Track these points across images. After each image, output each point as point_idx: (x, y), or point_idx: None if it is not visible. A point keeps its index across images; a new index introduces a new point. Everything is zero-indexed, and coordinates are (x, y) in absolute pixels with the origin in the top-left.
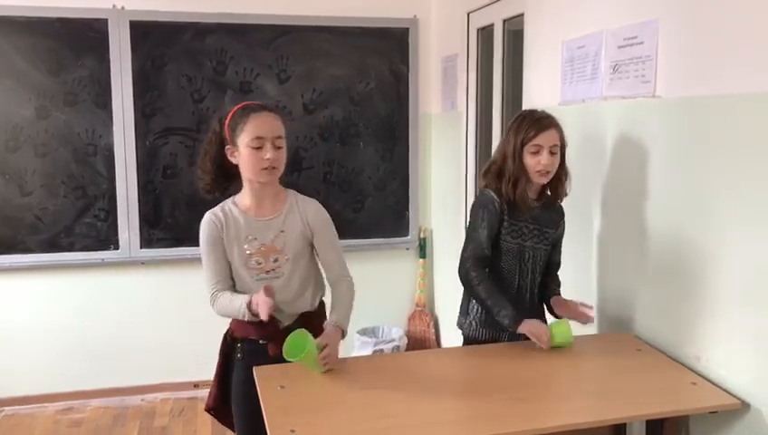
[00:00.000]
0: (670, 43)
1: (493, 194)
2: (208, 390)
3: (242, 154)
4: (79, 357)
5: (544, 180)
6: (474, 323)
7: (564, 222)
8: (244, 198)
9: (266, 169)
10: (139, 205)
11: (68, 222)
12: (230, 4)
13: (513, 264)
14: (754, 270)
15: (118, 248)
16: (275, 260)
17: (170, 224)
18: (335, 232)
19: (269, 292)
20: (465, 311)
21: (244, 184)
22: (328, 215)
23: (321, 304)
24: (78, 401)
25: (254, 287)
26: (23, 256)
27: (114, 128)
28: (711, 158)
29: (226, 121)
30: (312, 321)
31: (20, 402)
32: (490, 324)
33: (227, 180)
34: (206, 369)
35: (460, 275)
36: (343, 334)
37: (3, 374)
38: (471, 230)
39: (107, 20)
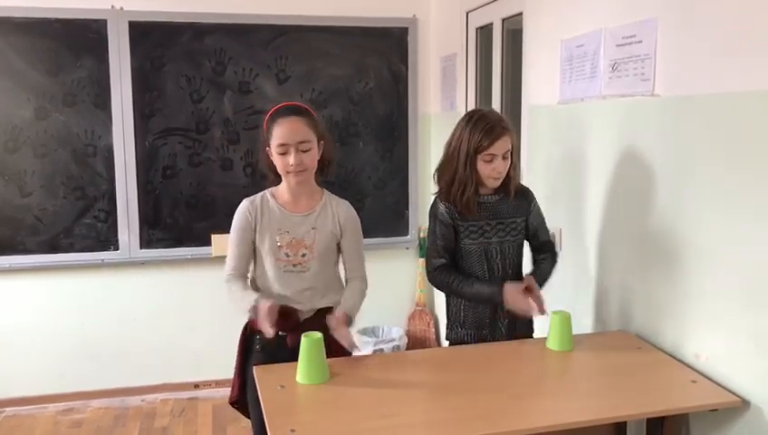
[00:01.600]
0: (669, 42)
1: (441, 204)
2: (208, 390)
3: (274, 157)
4: (79, 358)
5: (497, 184)
6: (456, 327)
7: (535, 204)
8: (281, 191)
9: (292, 172)
10: (139, 205)
11: (68, 223)
12: (229, 4)
13: (480, 264)
14: (754, 268)
15: (117, 249)
16: (303, 255)
17: (170, 224)
18: (362, 235)
19: (272, 310)
20: (450, 319)
21: (282, 180)
22: (358, 218)
23: (338, 303)
24: (78, 402)
25: (278, 278)
26: (22, 257)
27: (113, 128)
28: (710, 156)
29: (264, 124)
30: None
31: (20, 403)
32: (471, 325)
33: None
34: (207, 369)
35: (432, 285)
36: (350, 322)
37: (3, 375)
38: (428, 242)
39: (106, 21)
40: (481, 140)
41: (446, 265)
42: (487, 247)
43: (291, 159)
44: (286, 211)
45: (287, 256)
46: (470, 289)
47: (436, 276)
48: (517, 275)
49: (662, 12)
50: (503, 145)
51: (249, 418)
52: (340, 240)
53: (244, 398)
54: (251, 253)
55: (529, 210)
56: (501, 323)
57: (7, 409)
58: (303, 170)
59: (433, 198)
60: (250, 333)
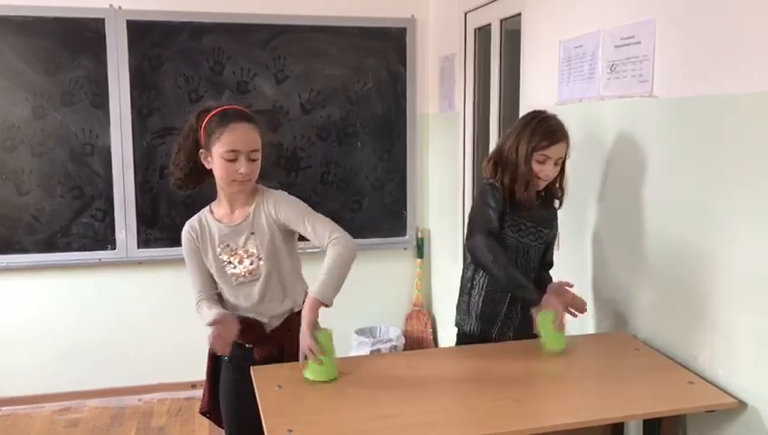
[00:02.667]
0: (667, 43)
1: (500, 188)
2: (203, 391)
3: (215, 163)
4: (76, 357)
5: (543, 185)
6: (468, 317)
7: (557, 224)
8: (218, 205)
9: (238, 181)
10: (136, 205)
11: (65, 222)
12: (227, 3)
13: (510, 259)
14: (752, 270)
15: (115, 248)
16: (251, 263)
17: (167, 224)
18: (305, 205)
19: (220, 321)
20: (465, 308)
21: (218, 189)
22: (291, 196)
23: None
24: (75, 402)
25: (232, 292)
26: (19, 256)
27: (111, 128)
28: (708, 157)
29: (203, 124)
30: (298, 322)
31: (17, 402)
32: (485, 318)
33: (200, 177)
34: (204, 369)
35: (474, 248)
36: (325, 304)
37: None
38: (479, 208)
39: (104, 20)
40: (541, 139)
41: (497, 235)
42: (519, 245)
43: (242, 168)
44: (223, 224)
45: (234, 268)
46: (513, 272)
47: (486, 241)
48: (534, 281)
49: (660, 13)
50: (558, 150)
51: (221, 427)
52: (283, 232)
53: (216, 406)
54: (210, 275)
55: (553, 225)
56: (513, 324)
57: (3, 408)
58: (249, 180)
59: (482, 184)
60: None
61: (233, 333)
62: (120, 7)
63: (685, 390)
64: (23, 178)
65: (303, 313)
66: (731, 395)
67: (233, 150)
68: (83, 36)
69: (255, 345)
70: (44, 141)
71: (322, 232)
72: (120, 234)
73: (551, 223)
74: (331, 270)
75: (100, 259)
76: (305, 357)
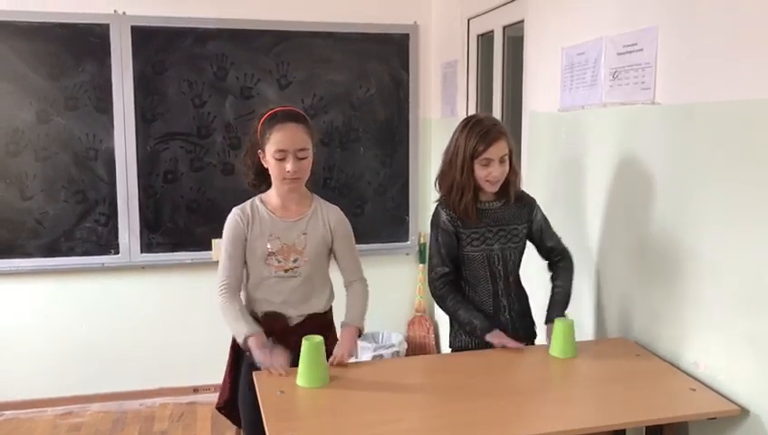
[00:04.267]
0: (669, 50)
1: (443, 212)
2: (207, 394)
3: (269, 162)
4: (78, 361)
5: (495, 189)
6: (460, 334)
7: (537, 210)
8: (271, 197)
9: (288, 179)
10: (140, 209)
11: (68, 226)
12: (231, 9)
13: (483, 271)
14: (753, 276)
15: (118, 253)
16: (295, 260)
17: (171, 229)
18: (353, 238)
19: (285, 357)
20: (451, 325)
21: (273, 186)
22: (348, 221)
23: (331, 309)
24: (77, 406)
25: (269, 284)
26: (23, 261)
27: (115, 132)
28: (709, 164)
29: (258, 126)
30: (319, 322)
31: (19, 407)
32: (472, 333)
33: (268, 175)
34: (206, 374)
35: (433, 294)
36: (360, 333)
37: (2, 378)
38: (430, 250)
39: (108, 25)
40: (476, 144)
41: (448, 274)
42: (490, 254)
43: (289, 166)
44: (276, 217)
45: (278, 261)
46: (465, 315)
47: (437, 287)
48: (517, 282)
49: (663, 20)
50: (498, 149)
51: (235, 424)
52: (331, 246)
53: (232, 403)
54: (243, 264)
55: (531, 217)
56: (506, 328)
57: (6, 412)
58: (299, 178)
59: (434, 206)
60: None
61: (287, 353)
62: (124, 13)
63: (687, 396)
64: (26, 183)
65: (346, 338)
66: (733, 402)
67: (280, 150)
68: (88, 41)
69: (278, 339)
70: (48, 146)
71: (355, 268)
72: (123, 238)
73: (522, 217)
74: (363, 305)
75: (103, 264)
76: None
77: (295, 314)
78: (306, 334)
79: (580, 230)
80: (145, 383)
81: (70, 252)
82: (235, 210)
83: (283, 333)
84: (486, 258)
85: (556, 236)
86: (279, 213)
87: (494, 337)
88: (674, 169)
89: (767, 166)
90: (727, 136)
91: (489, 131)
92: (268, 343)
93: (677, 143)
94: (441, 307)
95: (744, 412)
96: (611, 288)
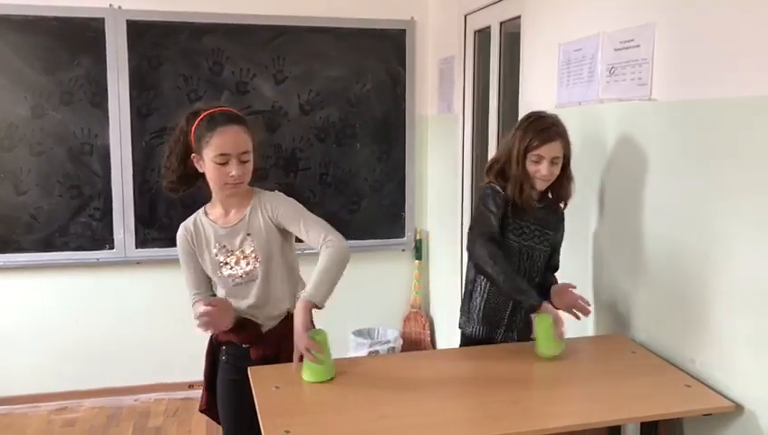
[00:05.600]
0: (666, 47)
1: (500, 189)
2: (202, 390)
3: (207, 167)
4: (73, 357)
5: (544, 186)
6: (471, 319)
7: (564, 226)
8: (213, 206)
9: (230, 184)
10: (135, 204)
11: (63, 221)
12: (227, 4)
13: (513, 262)
14: (750, 273)
15: (113, 248)
16: (247, 264)
17: (166, 224)
18: (300, 207)
19: (214, 303)
20: (466, 310)
21: (212, 191)
22: (289, 198)
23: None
24: (72, 401)
25: (229, 294)
26: (17, 256)
27: (110, 127)
28: (707, 161)
29: (192, 128)
30: (292, 325)
31: (13, 402)
32: (488, 322)
33: (192, 180)
34: (201, 369)
35: (474, 252)
36: (317, 306)
37: None
38: (479, 214)
39: (103, 19)
40: (532, 139)
41: (497, 240)
42: (522, 248)
43: (233, 170)
44: (218, 226)
45: (231, 269)
46: (514, 277)
47: (486, 246)
48: (538, 284)
49: (660, 17)
50: (551, 149)
51: (220, 424)
52: (281, 233)
53: (214, 405)
54: (205, 275)
55: (559, 228)
56: (516, 328)
57: (0, 407)
58: (241, 183)
59: (483, 187)
60: (216, 344)
61: (229, 312)
62: (119, 7)
63: (682, 393)
64: (21, 178)
65: (296, 314)
66: (728, 398)
67: (223, 154)
68: (83, 36)
69: (252, 346)
70: (43, 141)
71: (317, 234)
72: (118, 234)
73: (556, 225)
74: (323, 272)
75: (98, 259)
76: (300, 358)
77: (264, 317)
78: (282, 339)
79: (578, 226)
80: (140, 379)
81: (64, 247)
82: (181, 228)
83: (259, 340)
84: (519, 251)
85: (559, 257)
86: (221, 221)
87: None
88: (671, 165)
89: (765, 163)
90: (724, 132)
91: (548, 129)
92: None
93: (674, 139)
94: (485, 264)
95: (738, 409)
96: (608, 285)
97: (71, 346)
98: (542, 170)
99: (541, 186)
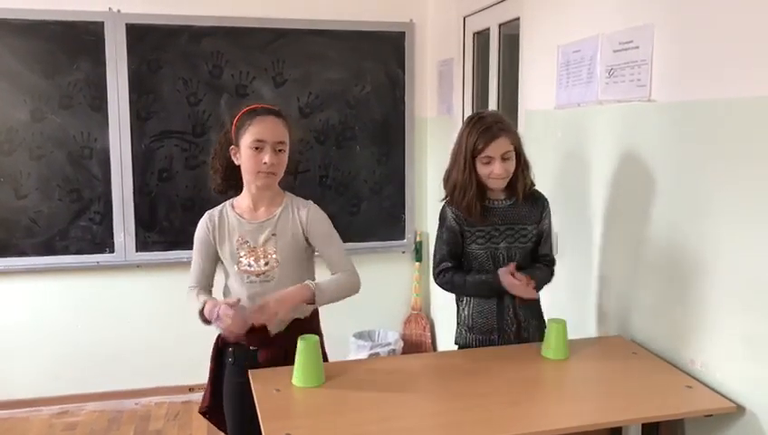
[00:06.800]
0: (665, 48)
1: (449, 210)
2: (202, 393)
3: (242, 155)
4: (74, 360)
5: (502, 185)
6: (463, 331)
7: (548, 213)
8: (241, 199)
9: (264, 172)
10: (135, 208)
11: (63, 225)
12: (226, 7)
13: (488, 268)
14: (750, 274)
15: (113, 251)
16: (266, 263)
17: (166, 227)
18: (333, 229)
19: (234, 305)
20: (457, 321)
21: (244, 185)
22: (324, 213)
23: (315, 313)
24: (73, 405)
25: (243, 290)
26: (17, 260)
27: (110, 131)
28: (706, 161)
29: (234, 121)
30: (304, 329)
31: (15, 406)
32: (479, 330)
33: (238, 181)
34: (201, 372)
35: (440, 285)
36: (312, 299)
37: None
38: (435, 246)
39: (103, 23)
40: (476, 142)
41: (451, 267)
42: (495, 252)
43: (266, 157)
44: (244, 220)
45: (249, 266)
46: (471, 279)
47: (441, 277)
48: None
49: (659, 18)
50: (499, 146)
51: (220, 429)
52: (308, 245)
53: (215, 407)
54: (213, 267)
55: (540, 218)
56: (509, 328)
57: (1, 412)
58: (275, 173)
59: (442, 204)
60: (222, 346)
61: (246, 315)
62: (119, 11)
63: (683, 394)
64: (21, 181)
65: (289, 289)
66: (729, 399)
67: (259, 140)
68: (82, 39)
69: (260, 348)
70: (43, 144)
71: (339, 259)
72: (118, 237)
73: (533, 217)
74: (334, 282)
75: (98, 262)
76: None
77: (275, 322)
78: (290, 342)
79: (577, 228)
80: (140, 382)
81: (65, 251)
82: (205, 215)
83: (265, 341)
84: (491, 256)
85: (551, 244)
86: (247, 215)
87: (503, 276)
88: (670, 166)
89: (764, 163)
90: (724, 133)
91: (490, 128)
92: (216, 308)
93: (674, 140)
94: (451, 290)
95: (739, 410)
96: (609, 286)
97: (71, 350)
98: (495, 170)
99: (499, 185)
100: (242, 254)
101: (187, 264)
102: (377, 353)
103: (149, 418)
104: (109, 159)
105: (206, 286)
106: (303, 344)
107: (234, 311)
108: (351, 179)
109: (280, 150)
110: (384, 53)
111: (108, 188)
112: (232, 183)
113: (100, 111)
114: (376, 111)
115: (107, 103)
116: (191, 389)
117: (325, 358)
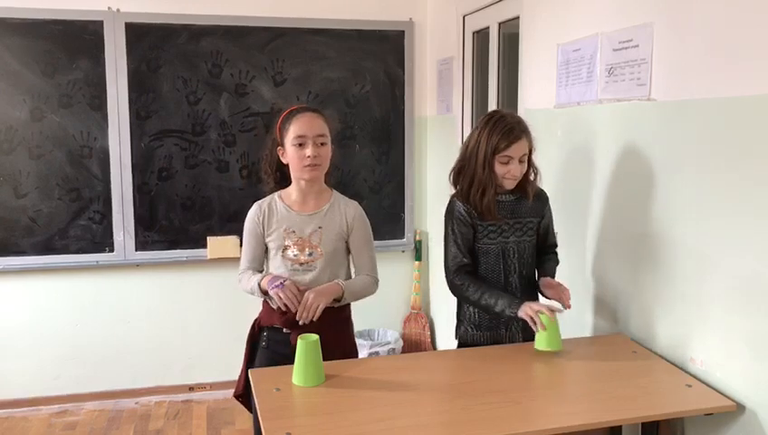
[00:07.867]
0: (665, 46)
1: (460, 204)
2: (203, 393)
3: (288, 153)
4: (73, 360)
5: (512, 185)
6: (470, 329)
7: (548, 206)
8: (290, 192)
9: (308, 166)
10: (134, 207)
11: (62, 224)
12: (225, 6)
13: (497, 263)
14: (750, 273)
15: (113, 251)
16: (310, 254)
17: (165, 226)
18: (371, 235)
19: (293, 287)
20: (458, 318)
21: (293, 182)
22: (367, 219)
23: (349, 305)
24: (72, 404)
25: (287, 275)
26: (17, 259)
27: (109, 130)
28: (706, 160)
29: (278, 123)
30: (334, 317)
31: (14, 405)
32: (486, 327)
33: (288, 181)
34: (201, 372)
35: (449, 288)
36: (341, 297)
37: None
38: (446, 241)
39: (102, 22)
40: (499, 141)
41: (466, 265)
42: (505, 247)
43: (309, 150)
44: (293, 211)
45: (294, 255)
46: (490, 300)
47: (456, 279)
48: (531, 275)
49: (658, 17)
50: (520, 148)
51: (251, 412)
52: (348, 240)
53: (249, 393)
54: (263, 253)
55: (543, 212)
56: (515, 325)
57: (1, 411)
58: (318, 165)
59: (449, 199)
60: (258, 329)
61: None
62: (118, 10)
63: (683, 392)
64: (20, 181)
65: (325, 285)
66: (729, 398)
67: (301, 135)
68: (82, 39)
69: (292, 330)
70: (42, 144)
71: (366, 263)
72: (117, 236)
73: (536, 210)
74: (359, 283)
75: (97, 262)
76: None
77: None
78: (320, 330)
79: (577, 227)
80: (140, 382)
81: (64, 250)
82: (254, 205)
83: (299, 326)
84: (501, 251)
85: (555, 234)
86: (296, 207)
87: (527, 309)
88: (670, 164)
89: (764, 162)
90: (723, 132)
91: (512, 129)
92: (279, 279)
93: (673, 139)
94: (462, 298)
95: (739, 408)
96: (608, 284)
97: (71, 349)
98: (513, 171)
99: (512, 185)
100: (288, 243)
101: (187, 263)
102: (376, 353)
103: (149, 417)
104: (108, 158)
105: (256, 270)
106: (303, 344)
107: (296, 289)
108: (351, 179)
109: (322, 144)
110: (384, 52)
111: (107, 187)
112: (284, 184)
113: (100, 110)
114: (375, 110)
115: (106, 103)
116: (191, 388)
117: (354, 351)
